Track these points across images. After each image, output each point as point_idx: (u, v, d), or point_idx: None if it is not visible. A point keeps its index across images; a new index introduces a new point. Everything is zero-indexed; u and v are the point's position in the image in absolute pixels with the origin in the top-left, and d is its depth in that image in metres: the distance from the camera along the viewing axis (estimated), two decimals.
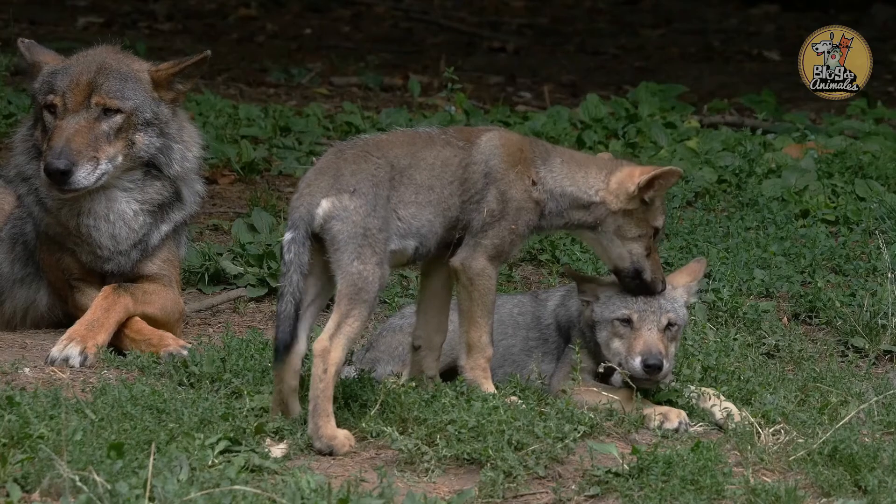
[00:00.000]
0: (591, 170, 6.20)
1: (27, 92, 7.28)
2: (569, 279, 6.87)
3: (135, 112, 6.91)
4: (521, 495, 5.53)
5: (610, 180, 6.16)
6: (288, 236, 5.74)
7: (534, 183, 6.12)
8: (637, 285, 6.21)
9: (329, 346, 5.67)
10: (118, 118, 6.87)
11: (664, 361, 6.12)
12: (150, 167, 7.00)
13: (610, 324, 6.23)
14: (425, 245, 5.97)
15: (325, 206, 5.76)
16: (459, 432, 5.65)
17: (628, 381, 6.14)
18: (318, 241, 5.78)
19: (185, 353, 6.61)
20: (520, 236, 6.11)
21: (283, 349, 5.70)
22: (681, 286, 6.32)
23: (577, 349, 6.15)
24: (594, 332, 6.28)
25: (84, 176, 6.77)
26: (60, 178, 6.74)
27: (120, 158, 6.89)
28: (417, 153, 6.00)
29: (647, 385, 6.20)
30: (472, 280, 6.04)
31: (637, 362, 6.13)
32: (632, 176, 6.16)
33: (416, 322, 6.17)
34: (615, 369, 6.20)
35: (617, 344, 6.21)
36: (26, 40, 7.12)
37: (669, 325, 6.21)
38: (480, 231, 6.04)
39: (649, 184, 6.12)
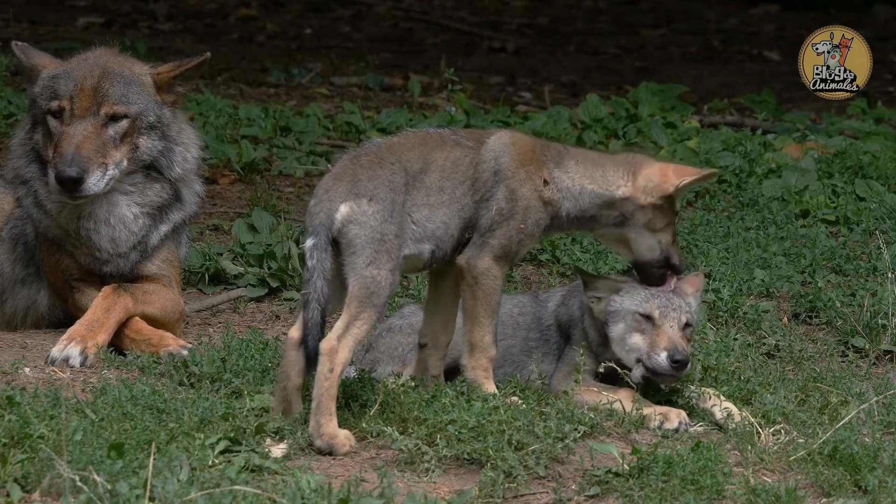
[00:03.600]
0: (609, 167, 6.19)
1: (26, 94, 7.26)
2: (573, 278, 6.85)
3: (139, 116, 6.90)
4: (522, 495, 5.52)
5: (636, 177, 6.16)
6: (310, 242, 5.74)
7: (546, 183, 6.12)
8: (661, 275, 6.20)
9: (337, 346, 5.68)
10: (124, 123, 6.86)
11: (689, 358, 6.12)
12: (151, 170, 7.00)
13: (631, 316, 6.20)
14: (441, 248, 5.97)
15: (343, 210, 5.77)
16: (460, 432, 5.64)
17: (650, 377, 6.13)
18: (334, 246, 5.79)
19: (185, 353, 6.60)
20: (529, 236, 6.10)
21: (315, 356, 5.71)
22: (690, 293, 6.31)
23: (581, 350, 6.14)
24: (601, 328, 6.26)
25: (94, 182, 6.76)
26: (73, 185, 6.72)
27: (125, 163, 6.88)
28: (428, 155, 6.00)
29: (669, 382, 6.18)
30: (477, 279, 6.03)
31: (663, 357, 6.11)
32: (665, 175, 6.16)
33: (423, 320, 6.17)
34: (618, 369, 6.19)
35: (637, 339, 6.18)
36: (20, 43, 7.08)
37: (687, 324, 6.21)
38: (488, 230, 6.04)
39: (686, 185, 6.16)
